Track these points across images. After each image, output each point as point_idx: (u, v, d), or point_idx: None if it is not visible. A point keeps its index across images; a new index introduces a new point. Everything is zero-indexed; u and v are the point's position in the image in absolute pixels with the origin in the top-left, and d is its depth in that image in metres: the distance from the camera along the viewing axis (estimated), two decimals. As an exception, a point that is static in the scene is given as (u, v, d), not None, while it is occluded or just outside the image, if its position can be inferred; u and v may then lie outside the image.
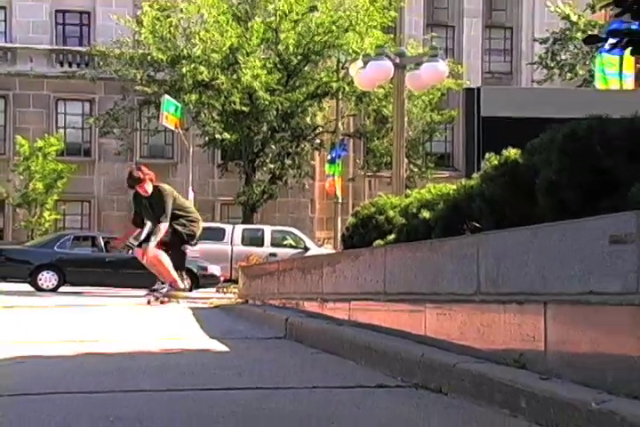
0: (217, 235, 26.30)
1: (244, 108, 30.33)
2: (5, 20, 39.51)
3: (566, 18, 34.16)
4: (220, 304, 13.46)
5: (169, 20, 31.59)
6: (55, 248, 21.39)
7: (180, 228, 12.51)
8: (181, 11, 31.64)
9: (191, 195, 26.39)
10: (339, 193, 29.24)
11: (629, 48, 5.84)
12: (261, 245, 27.03)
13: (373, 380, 4.54)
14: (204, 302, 14.83)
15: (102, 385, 4.44)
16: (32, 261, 20.99)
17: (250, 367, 5.41)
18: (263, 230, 28.16)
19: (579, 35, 32.29)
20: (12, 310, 11.15)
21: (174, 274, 12.62)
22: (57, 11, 39.76)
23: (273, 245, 27.25)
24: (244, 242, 27.28)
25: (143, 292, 19.17)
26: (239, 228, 28.43)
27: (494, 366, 3.92)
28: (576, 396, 3.17)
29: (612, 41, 5.64)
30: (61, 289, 20.41)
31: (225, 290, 20.55)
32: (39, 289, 20.11)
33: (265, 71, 30.20)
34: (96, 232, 28.95)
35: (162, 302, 12.55)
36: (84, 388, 4.35)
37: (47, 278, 20.64)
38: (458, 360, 4.18)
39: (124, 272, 20.63)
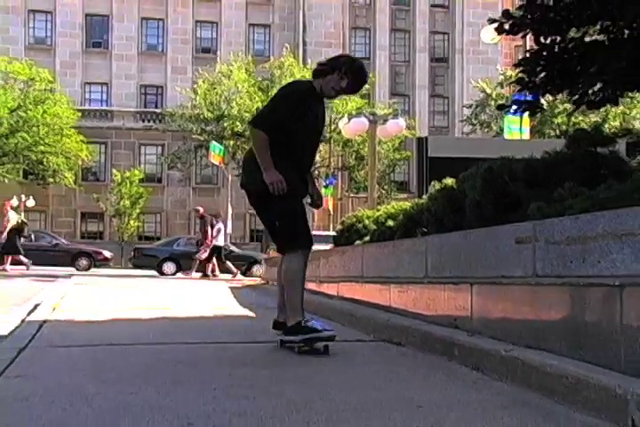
0: (327, 240, 25.48)
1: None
2: (107, 92, 40.13)
3: (484, 91, 34.46)
4: (249, 284, 13.43)
5: (215, 90, 31.97)
6: (174, 246, 21.23)
7: None
8: (224, 84, 31.95)
9: (230, 209, 26.42)
10: (331, 208, 29.08)
11: (527, 112, 5.94)
12: None
13: (354, 336, 4.53)
14: (237, 282, 14.79)
15: (170, 339, 4.42)
16: (158, 255, 20.86)
17: (269, 327, 5.38)
18: None
19: (492, 102, 32.55)
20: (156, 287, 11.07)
21: None
22: (141, 85, 40.29)
23: None
24: None
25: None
26: None
27: (437, 327, 3.91)
28: (491, 347, 3.17)
29: (514, 107, 5.72)
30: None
31: (252, 274, 20.45)
32: (163, 274, 19.71)
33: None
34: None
35: None
36: (158, 341, 4.34)
37: (168, 267, 20.38)
38: (412, 323, 4.18)
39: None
